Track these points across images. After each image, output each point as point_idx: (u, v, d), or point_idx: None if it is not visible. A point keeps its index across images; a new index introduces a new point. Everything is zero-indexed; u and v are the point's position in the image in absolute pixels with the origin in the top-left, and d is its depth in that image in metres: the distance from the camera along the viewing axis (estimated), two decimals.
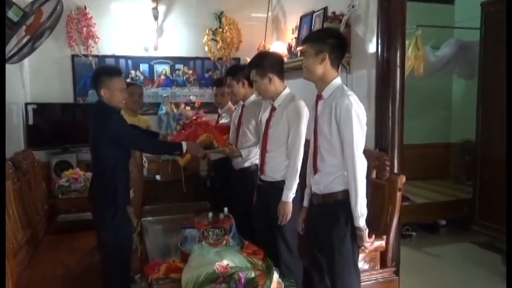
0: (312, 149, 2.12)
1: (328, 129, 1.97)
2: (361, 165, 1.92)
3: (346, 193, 1.97)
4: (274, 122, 2.48)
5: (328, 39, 1.99)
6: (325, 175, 2.03)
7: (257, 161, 2.93)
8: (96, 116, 2.45)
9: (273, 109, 2.51)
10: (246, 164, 3.01)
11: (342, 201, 1.98)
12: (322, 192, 2.06)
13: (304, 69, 2.07)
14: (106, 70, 2.53)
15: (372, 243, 2.17)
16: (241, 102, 3.30)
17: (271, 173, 2.50)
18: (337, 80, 2.02)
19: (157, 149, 2.78)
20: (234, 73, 3.03)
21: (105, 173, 2.42)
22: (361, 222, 1.94)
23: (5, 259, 2.05)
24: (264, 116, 2.60)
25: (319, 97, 2.06)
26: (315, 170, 2.09)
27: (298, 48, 2.19)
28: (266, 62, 2.44)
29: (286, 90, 2.50)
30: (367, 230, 1.98)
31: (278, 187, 2.40)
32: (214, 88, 3.80)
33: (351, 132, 1.89)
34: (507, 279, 2.08)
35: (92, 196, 2.56)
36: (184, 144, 2.59)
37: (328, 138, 1.98)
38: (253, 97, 3.07)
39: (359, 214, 1.93)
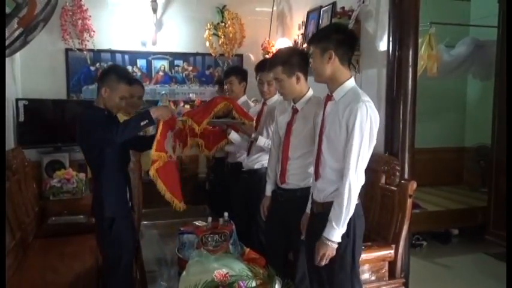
0: (315, 153, 2.09)
1: (335, 133, 1.96)
2: (361, 178, 1.92)
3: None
4: (298, 127, 2.34)
5: (333, 35, 1.98)
6: (328, 182, 2.02)
7: None
8: (80, 119, 2.40)
9: (295, 112, 2.37)
10: (256, 166, 3.03)
11: None
12: (322, 201, 2.06)
13: (314, 72, 2.05)
14: (118, 71, 2.46)
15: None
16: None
17: (295, 181, 2.37)
18: (351, 82, 2.00)
19: (124, 129, 2.27)
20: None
21: (95, 180, 2.41)
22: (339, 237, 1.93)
23: (5, 259, 2.05)
24: (282, 119, 2.45)
25: (329, 97, 2.04)
26: (317, 176, 2.07)
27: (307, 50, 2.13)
28: (295, 59, 2.28)
29: (310, 92, 2.37)
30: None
31: (301, 195, 2.30)
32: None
33: (359, 142, 1.87)
34: (507, 279, 2.08)
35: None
36: (151, 111, 2.32)
37: (334, 142, 1.97)
38: (276, 96, 3.03)
39: (342, 227, 1.91)
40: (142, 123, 2.30)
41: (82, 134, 2.36)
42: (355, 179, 1.89)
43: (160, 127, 2.37)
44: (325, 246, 1.92)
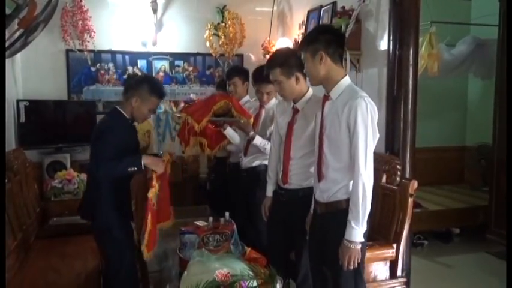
0: (316, 154, 2.10)
1: (335, 132, 1.96)
2: (371, 173, 1.92)
3: (349, 201, 1.97)
4: (300, 127, 2.34)
5: (320, 36, 2.00)
6: (331, 182, 2.01)
7: (266, 162, 2.92)
8: (102, 122, 2.43)
9: (296, 112, 2.37)
10: (254, 164, 3.03)
11: (346, 210, 1.97)
12: (325, 201, 2.06)
13: (308, 77, 2.09)
14: (152, 83, 2.43)
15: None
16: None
17: (298, 181, 2.37)
18: (346, 80, 2.01)
19: (110, 171, 2.28)
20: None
21: (91, 182, 2.42)
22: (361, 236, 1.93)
23: (5, 259, 2.05)
24: (283, 120, 2.45)
25: (326, 97, 2.05)
26: (320, 177, 2.07)
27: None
28: (293, 60, 2.26)
29: (310, 91, 2.36)
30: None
31: (303, 195, 2.31)
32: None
33: (364, 138, 1.87)
34: (507, 278, 2.08)
35: (82, 210, 2.51)
36: (143, 158, 2.31)
37: (335, 141, 1.97)
38: (273, 100, 3.04)
39: (362, 226, 1.92)
40: (130, 169, 2.28)
41: (94, 138, 2.33)
42: (367, 175, 1.89)
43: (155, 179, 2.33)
44: (348, 249, 1.90)
